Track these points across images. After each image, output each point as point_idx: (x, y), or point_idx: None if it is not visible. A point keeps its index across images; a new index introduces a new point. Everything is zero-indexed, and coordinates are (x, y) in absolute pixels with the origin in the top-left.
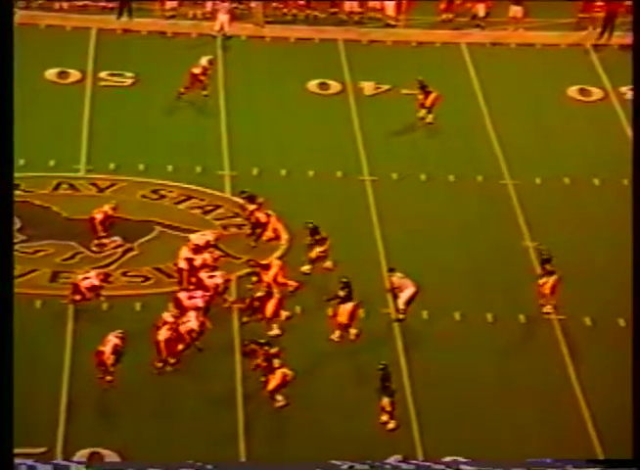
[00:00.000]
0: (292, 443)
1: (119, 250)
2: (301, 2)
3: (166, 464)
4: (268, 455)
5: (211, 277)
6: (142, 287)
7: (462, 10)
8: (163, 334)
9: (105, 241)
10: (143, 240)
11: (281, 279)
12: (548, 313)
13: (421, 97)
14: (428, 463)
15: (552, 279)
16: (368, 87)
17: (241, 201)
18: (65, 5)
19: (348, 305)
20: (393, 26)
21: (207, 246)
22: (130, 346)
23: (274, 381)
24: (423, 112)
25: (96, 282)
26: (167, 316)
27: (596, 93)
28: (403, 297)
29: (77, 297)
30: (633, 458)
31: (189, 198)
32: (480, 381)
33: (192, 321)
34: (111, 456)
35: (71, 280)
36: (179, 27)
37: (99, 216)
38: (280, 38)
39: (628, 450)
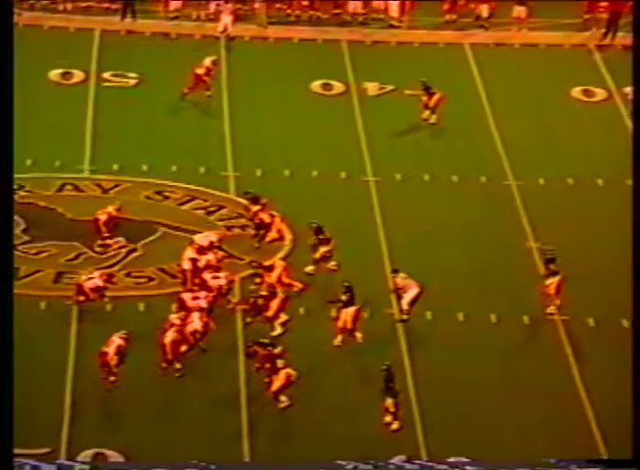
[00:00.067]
0: (296, 443)
1: (123, 250)
2: (305, 3)
3: (171, 464)
4: (272, 456)
5: (215, 278)
6: (146, 288)
7: (465, 10)
8: (170, 336)
9: (109, 242)
10: (147, 241)
11: (285, 280)
12: (552, 314)
13: (425, 98)
14: (431, 463)
15: (556, 279)
16: (372, 88)
17: (244, 201)
18: (68, 6)
19: (351, 310)
20: (397, 27)
21: (211, 247)
22: (134, 346)
23: (278, 381)
24: (426, 112)
25: (100, 283)
26: (174, 318)
27: (600, 94)
28: (407, 297)
29: (81, 297)
30: (633, 458)
31: (193, 198)
32: (484, 381)
33: (195, 322)
34: (115, 457)
35: (75, 281)
36: (183, 28)
37: (103, 217)
38: (283, 39)
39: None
